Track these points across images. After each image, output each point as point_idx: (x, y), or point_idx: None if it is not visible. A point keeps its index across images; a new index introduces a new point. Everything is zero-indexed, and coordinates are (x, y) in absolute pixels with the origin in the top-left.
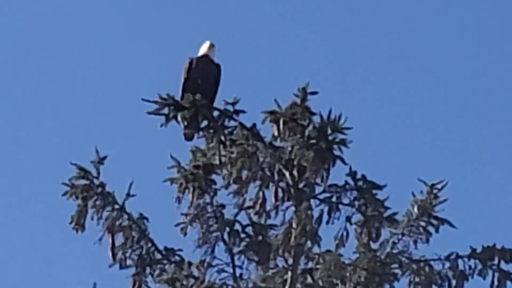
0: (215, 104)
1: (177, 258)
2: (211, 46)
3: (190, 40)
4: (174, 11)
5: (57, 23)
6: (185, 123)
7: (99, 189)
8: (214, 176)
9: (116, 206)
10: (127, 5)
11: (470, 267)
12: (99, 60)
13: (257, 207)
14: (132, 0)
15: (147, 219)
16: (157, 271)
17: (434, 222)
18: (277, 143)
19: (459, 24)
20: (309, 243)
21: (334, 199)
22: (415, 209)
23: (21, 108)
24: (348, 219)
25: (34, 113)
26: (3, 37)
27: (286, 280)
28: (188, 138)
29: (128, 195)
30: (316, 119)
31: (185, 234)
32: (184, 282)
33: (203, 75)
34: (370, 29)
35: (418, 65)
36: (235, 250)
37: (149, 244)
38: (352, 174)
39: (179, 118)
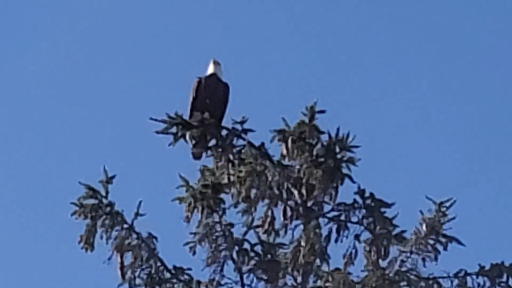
0: (224, 123)
1: (186, 277)
2: (217, 64)
3: (198, 58)
4: (182, 30)
5: (69, 44)
6: (193, 142)
7: (108, 209)
8: (222, 195)
9: (125, 226)
10: (136, 23)
11: (478, 285)
12: (107, 79)
13: (266, 225)
14: (142, 18)
15: (156, 238)
16: None
17: (443, 240)
18: (286, 161)
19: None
20: (318, 261)
21: (342, 217)
22: (424, 227)
23: (29, 127)
24: (357, 237)
25: (43, 132)
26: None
27: None
28: (196, 157)
29: (137, 214)
30: (324, 137)
31: (194, 253)
32: None
33: (212, 94)
34: (381, 46)
35: (426, 82)
36: (244, 269)
37: (158, 263)
38: (360, 192)
39: (187, 137)
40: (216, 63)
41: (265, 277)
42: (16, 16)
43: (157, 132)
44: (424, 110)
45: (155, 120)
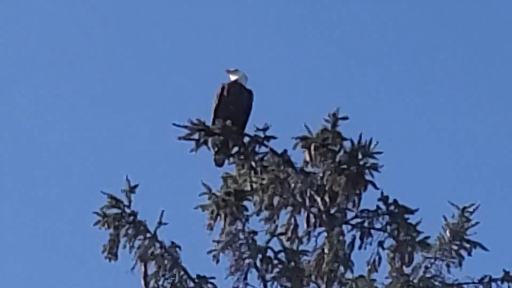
0: (247, 130)
1: (209, 285)
2: (234, 72)
3: (222, 65)
4: (207, 37)
5: (88, 47)
6: (216, 149)
7: (131, 218)
8: (245, 203)
9: (148, 235)
10: (160, 28)
11: None
12: (129, 86)
13: (289, 233)
14: (165, 24)
15: (179, 247)
16: None
17: (467, 245)
18: (308, 168)
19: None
20: (341, 268)
21: (366, 224)
22: (447, 233)
23: (51, 135)
24: (381, 244)
25: (65, 141)
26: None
27: None
28: (219, 164)
29: (160, 223)
30: (347, 144)
31: (218, 261)
32: None
33: (235, 101)
34: (404, 53)
35: (449, 88)
36: (268, 276)
37: (182, 272)
38: (383, 198)
39: (209, 144)
40: (233, 72)
41: (288, 284)
42: None
43: (180, 138)
44: (447, 116)
45: (178, 126)
